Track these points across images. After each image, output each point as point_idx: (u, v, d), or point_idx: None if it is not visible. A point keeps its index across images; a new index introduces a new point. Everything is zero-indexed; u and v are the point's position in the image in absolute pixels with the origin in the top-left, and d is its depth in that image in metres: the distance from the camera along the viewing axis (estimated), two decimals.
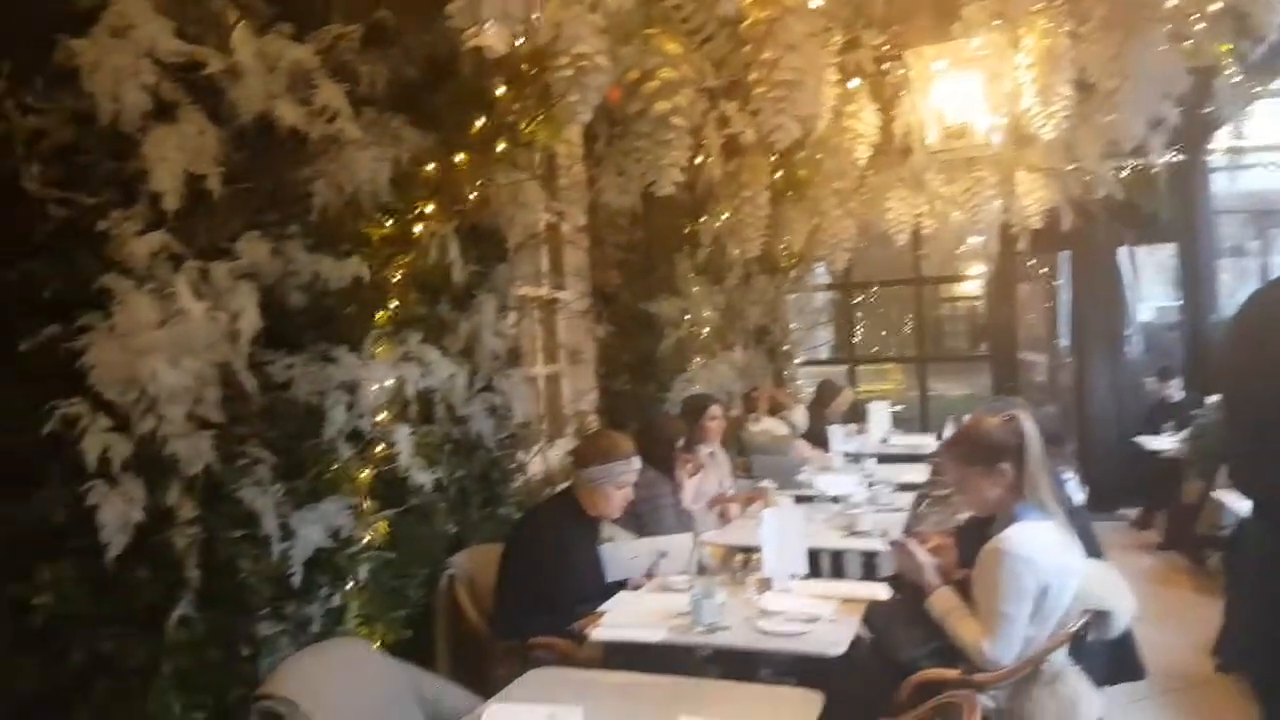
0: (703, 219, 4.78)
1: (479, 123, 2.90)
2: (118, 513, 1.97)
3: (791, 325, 7.75)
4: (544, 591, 2.79)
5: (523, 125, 2.94)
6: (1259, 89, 4.71)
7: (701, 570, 2.47)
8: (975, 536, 2.61)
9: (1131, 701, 3.51)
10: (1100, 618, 2.41)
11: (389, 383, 2.77)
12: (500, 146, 2.94)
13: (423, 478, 2.83)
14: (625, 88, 2.76)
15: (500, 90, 2.87)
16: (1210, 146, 7.14)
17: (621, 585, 2.95)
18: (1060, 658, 2.37)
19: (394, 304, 2.88)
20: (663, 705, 1.97)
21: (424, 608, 2.98)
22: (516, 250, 3.50)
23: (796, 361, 8.00)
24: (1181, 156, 6.65)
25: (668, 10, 2.80)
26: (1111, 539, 5.71)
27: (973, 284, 9.92)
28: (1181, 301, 7.94)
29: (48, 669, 1.94)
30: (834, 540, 3.63)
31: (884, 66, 4.10)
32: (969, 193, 4.91)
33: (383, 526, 2.78)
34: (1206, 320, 7.48)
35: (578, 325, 4.68)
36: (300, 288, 2.39)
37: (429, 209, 2.86)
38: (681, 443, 3.87)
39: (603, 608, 2.68)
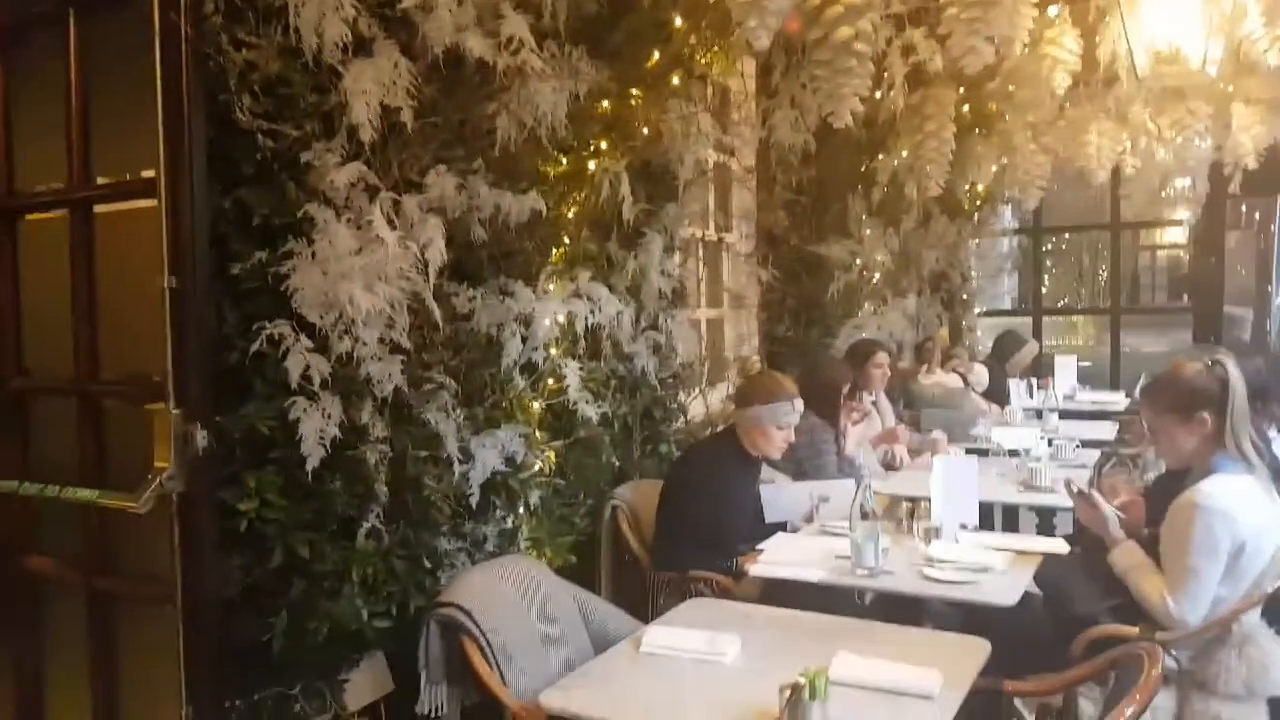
0: (880, 156, 4.59)
1: (655, 56, 2.88)
2: (316, 427, 2.09)
3: (972, 272, 7.36)
4: (703, 527, 2.83)
5: (699, 57, 2.90)
6: None
7: (865, 516, 2.41)
8: (1166, 495, 2.45)
9: None
10: None
11: (560, 318, 2.85)
12: (675, 80, 2.91)
13: (589, 411, 2.91)
14: (805, 15, 2.66)
15: (678, 22, 2.84)
16: None
17: (781, 527, 2.94)
18: (1253, 619, 2.21)
19: (567, 240, 2.95)
20: (821, 640, 1.97)
21: (589, 536, 3.10)
22: (685, 189, 3.48)
23: (976, 312, 7.60)
24: None
25: None
26: None
27: (1176, 231, 9.09)
28: None
29: (249, 569, 2.10)
30: (1009, 494, 3.47)
31: None
32: (1178, 126, 4.46)
33: (552, 455, 2.90)
34: None
35: (742, 268, 4.64)
36: (482, 222, 2.48)
37: (603, 145, 2.88)
38: (847, 389, 3.79)
39: (761, 546, 2.69)
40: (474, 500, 2.50)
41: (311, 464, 2.09)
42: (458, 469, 2.44)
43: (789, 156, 4.38)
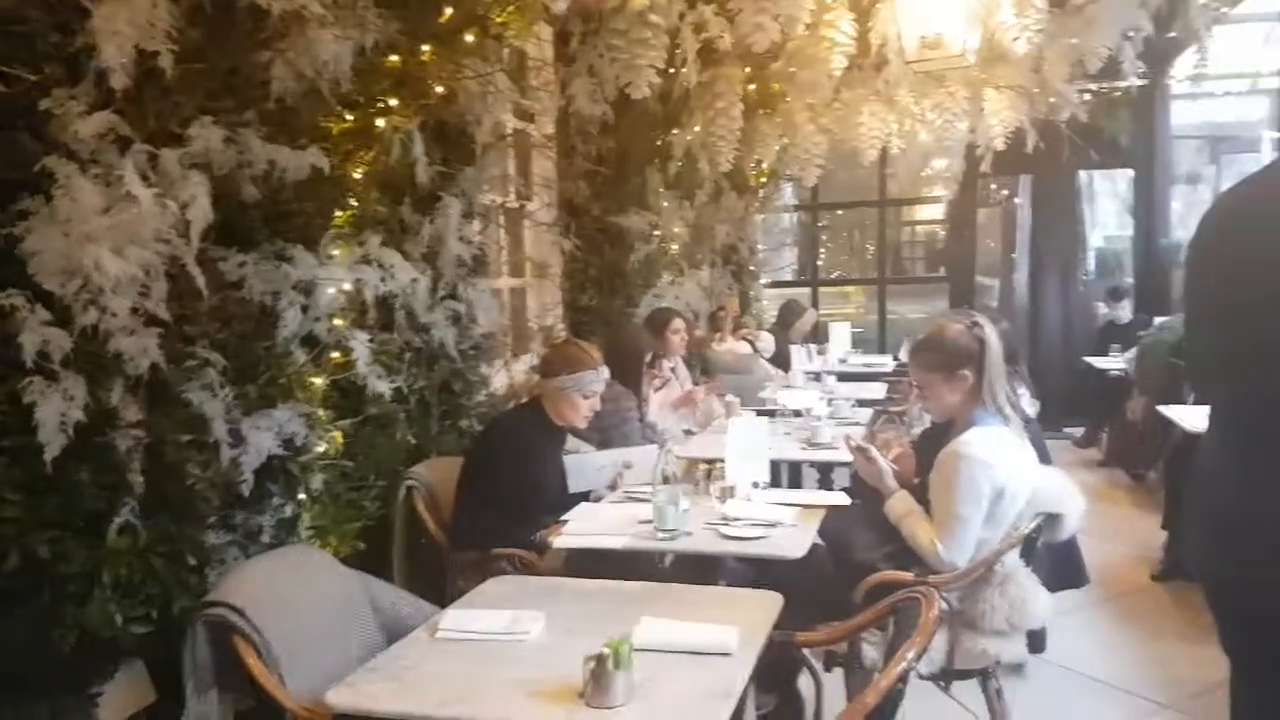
0: (675, 131, 4.66)
1: (448, 12, 2.74)
2: (56, 411, 1.87)
3: (759, 245, 7.70)
4: (507, 502, 2.77)
5: (494, 16, 2.79)
6: (1224, 9, 4.73)
7: (666, 480, 2.45)
8: (933, 447, 2.65)
9: (1078, 607, 3.65)
10: (1051, 521, 2.46)
11: (347, 286, 2.67)
12: (469, 38, 2.79)
13: (381, 386, 2.75)
14: None
15: None
16: (1172, 72, 7.17)
17: (585, 497, 2.94)
18: (1012, 560, 2.42)
19: (354, 203, 2.77)
20: (624, 607, 1.97)
21: (381, 520, 2.93)
22: (484, 152, 3.36)
23: (762, 282, 7.98)
24: (1143, 82, 6.65)
25: None
26: (1056, 456, 5.87)
27: (933, 208, 9.93)
28: (1135, 226, 8.09)
29: None
30: (794, 452, 3.67)
31: None
32: (939, 109, 4.84)
33: (339, 436, 2.72)
34: (1158, 244, 7.65)
35: (545, 237, 4.57)
36: (255, 179, 2.27)
37: (393, 103, 2.71)
38: (649, 357, 3.84)
39: (565, 517, 2.67)
40: (246, 488, 2.30)
41: (51, 453, 1.86)
42: (227, 454, 2.23)
43: (588, 126, 4.36)
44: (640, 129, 4.77)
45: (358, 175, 2.74)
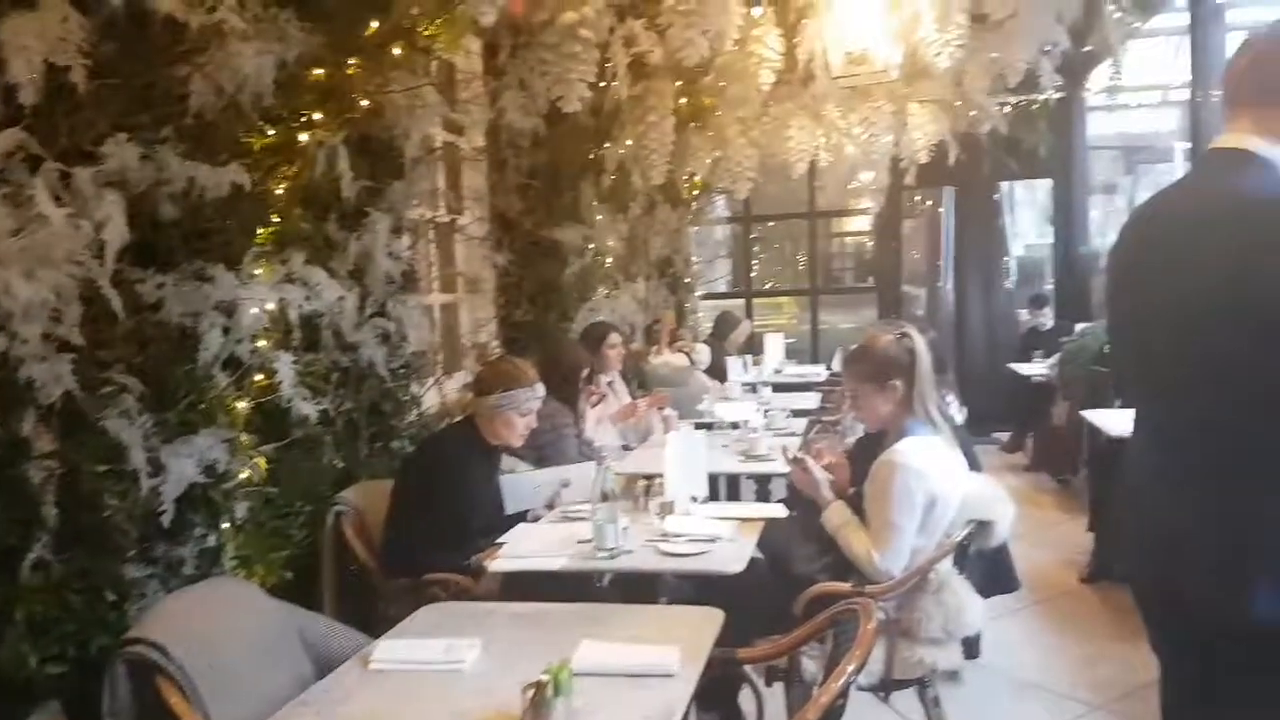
0: (607, 145, 4.66)
1: (374, 24, 2.69)
2: None
3: (693, 257, 7.75)
4: (439, 524, 2.70)
5: (421, 29, 2.74)
6: (1137, 24, 4.95)
7: (605, 497, 2.43)
8: (867, 456, 2.69)
9: (1009, 612, 3.73)
10: (983, 528, 2.50)
11: (270, 306, 2.60)
12: (396, 51, 2.74)
13: (307, 409, 2.69)
14: None
15: None
16: (1087, 85, 7.46)
17: (522, 517, 2.89)
18: (945, 567, 2.46)
19: (277, 220, 2.69)
20: (564, 630, 1.94)
21: (308, 548, 2.84)
22: (413, 166, 3.30)
23: (697, 294, 8.03)
24: (1061, 94, 6.89)
25: None
26: (984, 461, 6.01)
27: (861, 219, 10.13)
28: (1054, 235, 8.37)
29: None
30: (732, 464, 3.68)
31: None
32: (865, 124, 4.95)
33: (263, 461, 2.63)
34: (1077, 252, 7.94)
35: (477, 252, 4.52)
36: (173, 198, 2.19)
37: (317, 117, 2.65)
38: (585, 372, 3.82)
39: (501, 540, 2.62)
40: (167, 518, 2.20)
41: None
42: (146, 483, 2.15)
43: (520, 140, 4.33)
44: (572, 142, 4.76)
45: (280, 191, 2.67)
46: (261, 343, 2.58)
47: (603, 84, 3.35)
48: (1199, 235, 1.47)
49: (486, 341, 4.53)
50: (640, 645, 1.83)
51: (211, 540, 2.39)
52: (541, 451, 3.36)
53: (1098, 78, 7.17)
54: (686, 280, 7.63)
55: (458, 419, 3.20)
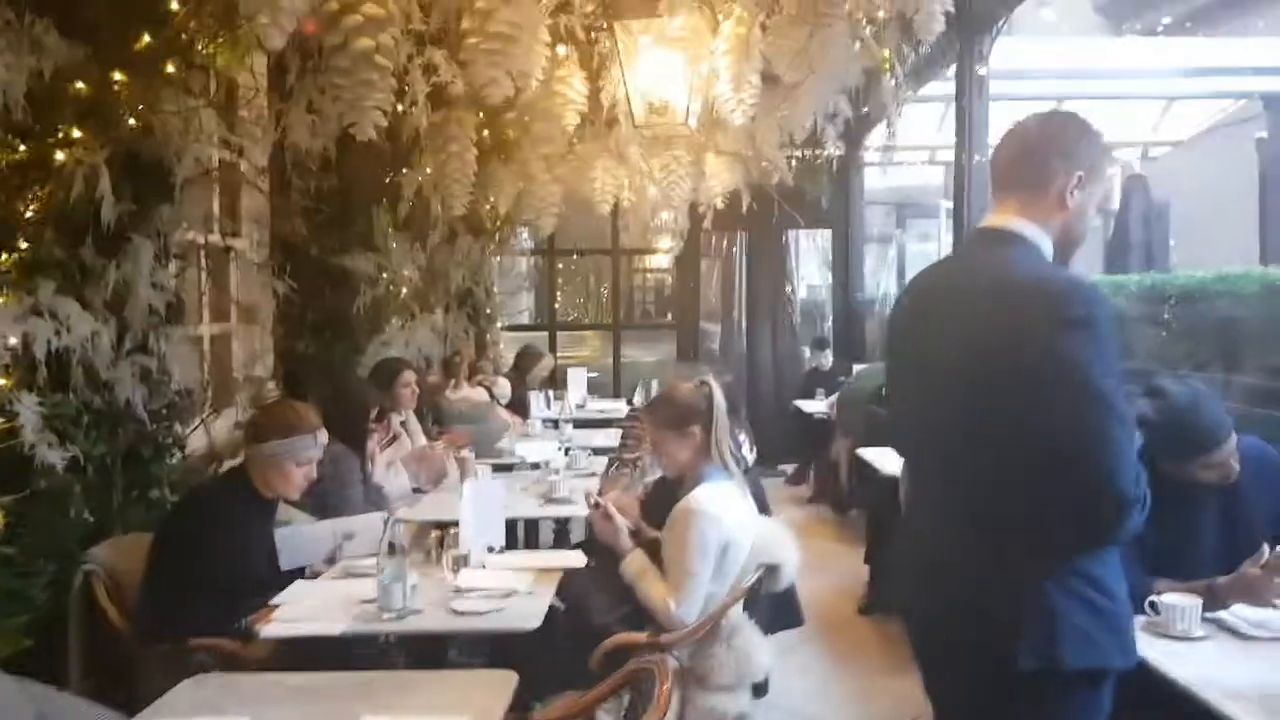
0: (405, 171, 4.49)
1: (145, 38, 2.45)
2: None
3: (495, 289, 7.64)
4: (205, 583, 2.44)
5: (199, 45, 2.53)
6: (910, 93, 5.47)
7: (393, 550, 2.29)
8: (664, 500, 2.74)
9: (789, 649, 3.87)
10: (772, 572, 2.60)
11: (12, 340, 2.33)
12: (170, 68, 2.50)
13: (52, 456, 2.40)
14: (323, 19, 2.46)
15: (174, 4, 2.44)
16: (866, 144, 8.14)
17: (300, 574, 2.67)
18: (736, 613, 2.53)
19: (24, 245, 2.38)
20: (345, 703, 1.81)
21: (53, 612, 2.50)
22: (183, 189, 3.02)
23: (499, 326, 7.92)
24: (842, 151, 7.45)
25: None
26: (770, 493, 6.28)
27: (663, 257, 10.43)
28: (834, 281, 9.02)
29: None
30: (532, 508, 3.62)
31: (593, 35, 4.10)
32: (666, 170, 5.11)
33: (0, 516, 2.30)
34: (854, 298, 8.59)
35: (255, 279, 4.20)
36: None
37: (76, 134, 2.37)
38: (374, 412, 3.62)
39: (275, 600, 2.41)
40: None
41: None
42: None
43: (307, 161, 4.09)
44: (366, 166, 4.57)
45: (29, 213, 2.36)
46: (1, 382, 2.30)
47: (400, 107, 3.23)
48: (969, 309, 1.60)
49: (262, 376, 4.21)
50: (429, 716, 1.73)
51: None
52: (323, 499, 3.13)
53: (874, 138, 7.86)
54: (488, 311, 7.51)
55: (228, 468, 2.94)
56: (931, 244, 11.26)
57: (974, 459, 1.59)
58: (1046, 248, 1.65)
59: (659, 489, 3.07)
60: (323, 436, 2.72)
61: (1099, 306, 1.50)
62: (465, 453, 4.02)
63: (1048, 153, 1.64)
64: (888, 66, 4.98)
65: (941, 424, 1.66)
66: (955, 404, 1.61)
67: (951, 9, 3.15)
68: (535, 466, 3.97)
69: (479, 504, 2.78)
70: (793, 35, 3.30)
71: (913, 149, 9.20)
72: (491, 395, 5.88)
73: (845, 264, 8.70)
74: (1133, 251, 7.57)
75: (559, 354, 8.59)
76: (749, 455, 3.75)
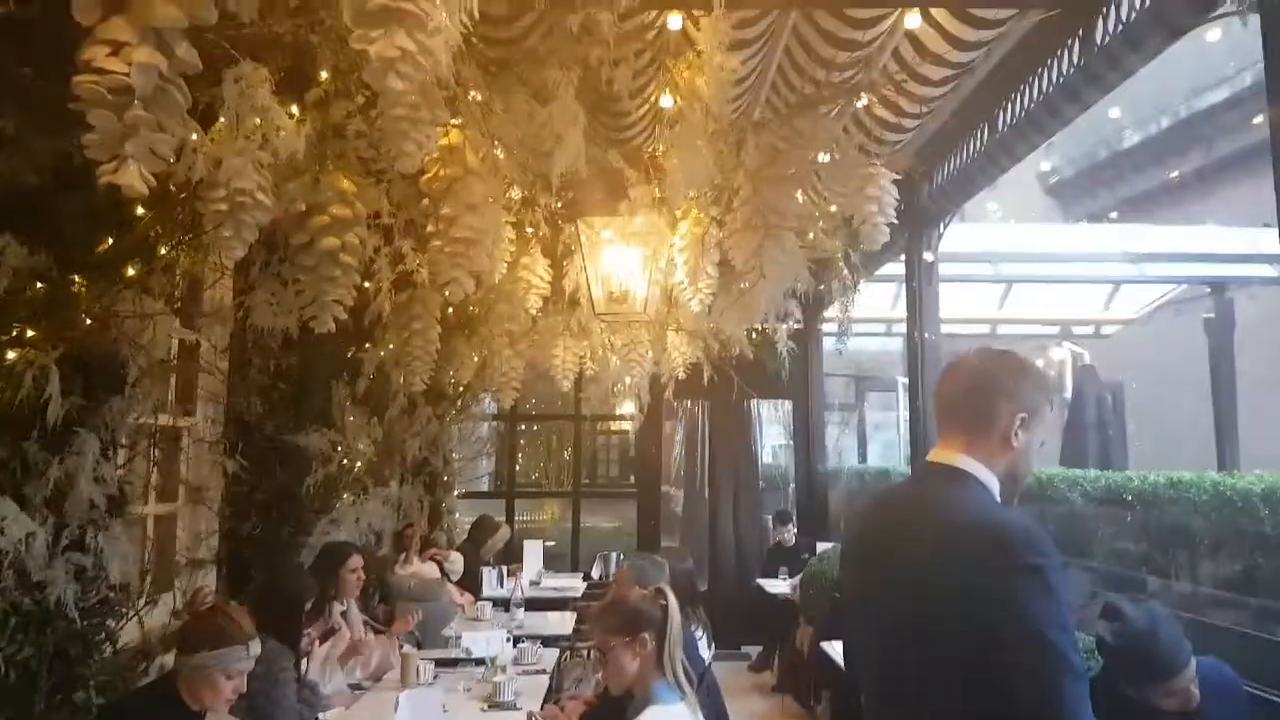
0: (367, 346, 4.51)
1: (109, 241, 2.48)
2: None
3: (454, 455, 7.55)
4: None
5: (162, 249, 2.56)
6: (860, 280, 5.77)
7: None
8: (613, 711, 2.60)
9: None
10: None
11: None
12: (131, 270, 2.53)
13: None
14: (290, 217, 2.52)
15: (140, 210, 2.48)
16: (825, 315, 8.39)
17: None
18: None
19: None
20: None
21: None
22: (137, 383, 2.99)
23: (456, 494, 7.78)
24: (799, 325, 7.67)
25: (345, 149, 2.64)
26: (731, 680, 6.04)
27: (625, 424, 10.48)
28: (795, 454, 9.04)
29: None
30: (474, 715, 3.41)
31: (559, 223, 4.26)
32: (627, 347, 5.23)
33: None
34: (816, 469, 8.58)
35: (206, 457, 4.11)
36: None
37: (30, 333, 2.36)
38: (309, 605, 3.46)
39: None
40: None
41: None
42: None
43: (268, 340, 4.09)
44: (328, 343, 4.55)
45: None
46: None
47: (365, 284, 3.27)
48: (922, 550, 1.60)
49: (206, 559, 4.05)
50: None
51: None
52: (253, 701, 2.93)
53: (834, 310, 8.12)
54: (445, 479, 7.39)
55: (154, 680, 2.77)
56: (892, 413, 11.46)
57: (925, 698, 1.56)
58: (995, 486, 1.67)
59: (603, 708, 2.92)
60: (255, 647, 2.58)
61: (1049, 555, 1.50)
62: (408, 649, 3.84)
63: (993, 394, 1.68)
64: (841, 257, 5.27)
65: (893, 662, 1.63)
66: (906, 641, 1.59)
67: (898, 208, 3.31)
68: (480, 662, 3.79)
69: (416, 716, 2.63)
70: (745, 240, 3.44)
71: (870, 320, 9.48)
72: (443, 571, 5.70)
73: (807, 435, 8.75)
74: (1089, 441, 7.65)
75: (517, 519, 8.43)
76: (707, 654, 3.62)
